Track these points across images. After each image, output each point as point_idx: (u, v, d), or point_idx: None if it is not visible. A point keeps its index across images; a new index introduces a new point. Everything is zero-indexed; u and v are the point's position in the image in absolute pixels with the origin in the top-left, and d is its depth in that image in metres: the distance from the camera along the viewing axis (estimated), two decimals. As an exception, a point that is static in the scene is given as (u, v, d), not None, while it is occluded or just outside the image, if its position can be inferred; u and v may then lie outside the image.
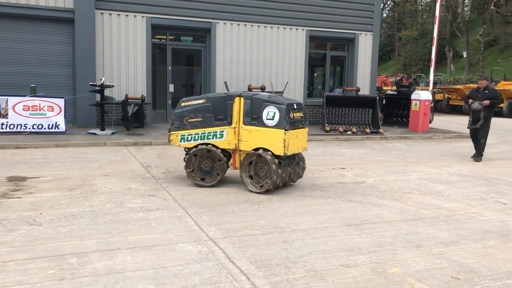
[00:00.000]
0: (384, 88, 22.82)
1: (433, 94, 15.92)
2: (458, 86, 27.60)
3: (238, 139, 6.32)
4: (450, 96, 27.60)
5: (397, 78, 26.03)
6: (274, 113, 5.99)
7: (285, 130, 5.90)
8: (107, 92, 11.61)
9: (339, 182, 7.15)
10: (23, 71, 11.99)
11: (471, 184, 7.24)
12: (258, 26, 14.09)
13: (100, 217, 5.00)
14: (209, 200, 5.82)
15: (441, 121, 19.19)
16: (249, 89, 12.49)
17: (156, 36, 13.65)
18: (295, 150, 6.17)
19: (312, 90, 16.26)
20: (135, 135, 11.13)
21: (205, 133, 6.45)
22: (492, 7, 41.18)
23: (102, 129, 11.25)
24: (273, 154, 6.00)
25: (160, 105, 14.09)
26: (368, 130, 13.16)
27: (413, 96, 13.98)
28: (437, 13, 14.88)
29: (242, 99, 6.29)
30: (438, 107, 27.54)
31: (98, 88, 11.11)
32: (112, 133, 11.13)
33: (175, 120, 6.67)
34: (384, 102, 15.86)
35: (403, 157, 9.78)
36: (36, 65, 12.12)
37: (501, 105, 22.73)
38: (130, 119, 11.95)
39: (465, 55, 44.62)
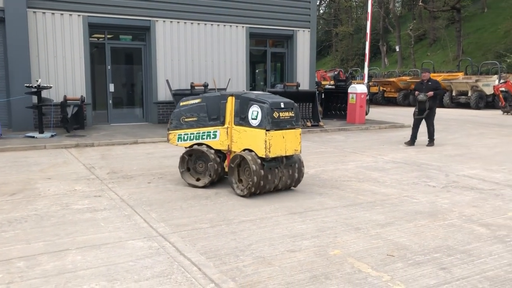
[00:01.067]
0: (323, 82, 23.59)
1: (368, 87, 16.69)
2: (391, 79, 29.00)
3: (231, 140, 6.17)
4: (384, 88, 28.94)
5: (335, 72, 26.96)
6: (258, 112, 5.74)
7: (266, 130, 5.60)
8: (44, 93, 11.24)
9: (283, 174, 7.43)
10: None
11: (404, 170, 7.77)
12: (198, 23, 14.14)
13: (46, 220, 4.94)
14: (157, 198, 5.89)
15: (377, 112, 20.13)
16: (192, 86, 12.55)
17: (94, 35, 13.36)
18: (281, 152, 5.75)
19: (255, 86, 16.54)
20: (76, 137, 10.88)
21: (199, 133, 6.39)
22: (420, 3, 43.41)
23: (41, 131, 10.89)
24: (256, 155, 5.76)
25: (100, 105, 13.82)
26: (309, 124, 13.61)
27: (349, 90, 14.61)
28: (369, 10, 15.60)
29: (233, 98, 6.12)
30: (374, 99, 28.81)
31: (35, 89, 10.75)
32: (52, 136, 10.81)
33: (173, 120, 6.57)
34: (323, 96, 16.44)
35: (342, 148, 10.26)
36: (-36, 67, 11.53)
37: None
38: (70, 120, 11.64)
39: (397, 49, 46.80)
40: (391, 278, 3.58)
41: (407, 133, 13.26)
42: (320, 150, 9.92)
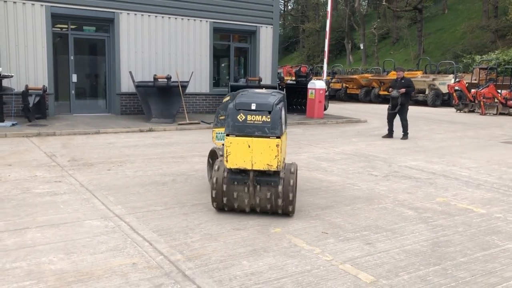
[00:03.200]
0: (288, 78, 24.13)
1: (328, 83, 17.31)
2: (354, 76, 29.86)
3: None
4: (347, 85, 29.80)
5: (302, 69, 27.58)
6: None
7: (227, 134, 4.75)
8: (5, 82, 11.25)
9: (238, 163, 7.85)
10: None
11: (352, 161, 8.33)
12: (162, 17, 14.35)
13: (6, 202, 5.19)
14: (116, 184, 6.20)
15: (338, 108, 20.83)
16: (155, 78, 12.77)
17: (57, 25, 13.37)
18: (245, 164, 4.68)
19: (219, 80, 16.88)
20: (38, 126, 10.96)
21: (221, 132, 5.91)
22: (384, 3, 44.66)
23: (1, 120, 10.92)
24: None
25: (63, 95, 13.85)
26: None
27: (309, 86, 15.17)
28: (329, 9, 16.17)
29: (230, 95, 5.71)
30: (337, 95, 29.66)
31: (-5, 78, 10.75)
32: (13, 125, 10.85)
33: (215, 117, 6.25)
34: (284, 91, 16.94)
35: (298, 140, 10.77)
36: None
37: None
38: (32, 110, 11.68)
39: (362, 47, 48.01)
40: (322, 251, 4.05)
41: (362, 127, 13.98)
42: (277, 142, 10.38)
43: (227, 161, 4.73)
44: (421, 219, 5.06)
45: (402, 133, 11.51)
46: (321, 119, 14.82)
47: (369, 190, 6.28)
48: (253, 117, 4.65)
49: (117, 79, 13.86)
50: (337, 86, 30.29)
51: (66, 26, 13.52)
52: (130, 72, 13.28)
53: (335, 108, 20.42)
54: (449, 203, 5.72)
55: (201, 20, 15.05)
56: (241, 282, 3.41)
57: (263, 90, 5.15)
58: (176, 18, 14.61)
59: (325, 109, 16.01)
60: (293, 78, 19.67)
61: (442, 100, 24.34)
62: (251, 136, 4.67)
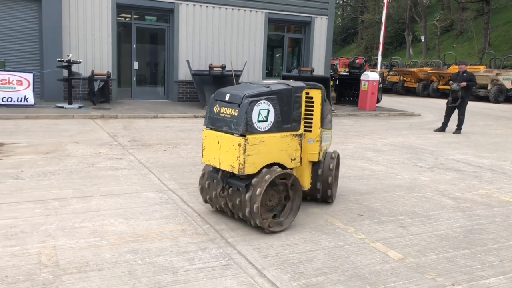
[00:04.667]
0: (341, 69, 24.02)
1: (382, 75, 17.15)
2: (412, 69, 29.16)
3: None
4: (405, 78, 29.16)
5: (358, 61, 27.38)
6: None
7: (205, 126, 4.32)
8: (74, 68, 12.17)
9: (286, 150, 8.17)
10: (-10, 46, 12.38)
11: (398, 152, 8.41)
12: (220, 7, 14.83)
13: (75, 174, 5.82)
14: (170, 162, 6.72)
15: (392, 101, 20.57)
16: (210, 67, 13.30)
17: (121, 15, 14.19)
18: (214, 162, 4.18)
19: (272, 70, 17.20)
20: (102, 109, 11.79)
21: None
22: (448, -6, 42.95)
23: (70, 103, 11.85)
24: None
25: (125, 82, 14.71)
26: (320, 108, 14.24)
27: (362, 77, 15.15)
28: (385, 0, 16.00)
29: None
30: (394, 88, 29.10)
31: (66, 64, 11.66)
32: (79, 107, 11.75)
33: None
34: (337, 83, 17.02)
35: (347, 131, 10.91)
36: (5, 41, 12.50)
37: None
38: (96, 94, 12.56)
39: (422, 40, 46.51)
40: (356, 230, 4.32)
41: (415, 121, 13.83)
42: (325, 132, 10.59)
43: (202, 155, 4.32)
44: (459, 208, 5.17)
45: (456, 127, 11.34)
46: (373, 111, 14.79)
47: (411, 179, 6.41)
48: (225, 110, 4.07)
49: (175, 67, 14.53)
50: (395, 79, 29.71)
51: (129, 15, 14.32)
52: (188, 61, 13.88)
53: (389, 101, 20.18)
54: (491, 195, 5.76)
55: (256, 11, 15.40)
56: (277, 250, 3.75)
57: (262, 82, 4.52)
58: (232, 9, 15.05)
59: (378, 101, 15.93)
60: (346, 70, 19.63)
61: (506, 96, 23.32)
62: (220, 131, 4.12)
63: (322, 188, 4.86)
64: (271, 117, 4.08)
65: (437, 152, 8.55)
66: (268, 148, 4.08)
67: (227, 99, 4.08)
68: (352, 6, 63.51)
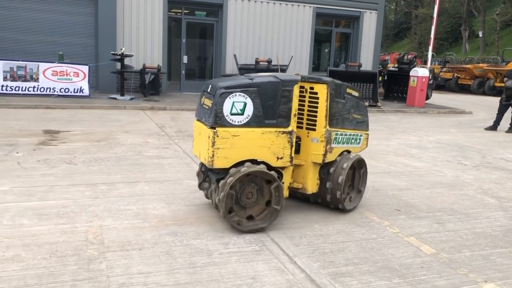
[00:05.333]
0: (390, 65, 23.50)
1: (432, 71, 16.68)
2: (467, 66, 28.06)
3: None
4: (459, 75, 28.13)
5: (409, 56, 26.73)
6: None
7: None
8: (126, 61, 12.68)
9: (327, 144, 8.21)
10: (52, 40, 13.12)
11: (444, 150, 8.23)
12: (268, 2, 14.95)
13: (123, 160, 6.15)
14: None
15: (444, 98, 19.96)
16: (257, 62, 13.46)
17: (172, 10, 14.62)
18: (196, 152, 4.26)
19: (318, 65, 17.15)
20: (151, 101, 12.25)
21: None
22: (510, -13, 40.87)
23: (122, 94, 12.39)
24: None
25: (174, 75, 15.16)
26: (366, 103, 14.08)
27: (411, 73, 14.81)
28: (439, -6, 15.55)
29: None
30: (447, 85, 28.14)
31: (119, 57, 12.19)
32: (131, 99, 12.26)
33: None
34: (385, 78, 16.72)
35: (393, 127, 10.76)
36: (63, 35, 13.23)
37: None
38: (147, 86, 13.05)
39: (480, 35, 44.54)
40: (390, 224, 4.33)
41: (465, 119, 13.40)
42: (370, 128, 10.48)
43: (193, 146, 4.40)
44: (501, 207, 5.05)
45: (509, 126, 10.91)
46: (421, 108, 14.45)
47: (454, 177, 6.29)
48: (206, 101, 4.02)
49: (222, 61, 14.81)
50: (448, 75, 28.72)
51: (180, 11, 14.72)
52: (235, 55, 14.12)
53: (440, 98, 19.60)
54: (539, 196, 5.57)
55: (304, 6, 15.40)
56: (310, 240, 3.85)
57: (255, 74, 4.29)
58: (280, 4, 15.12)
59: (427, 98, 15.53)
60: (395, 65, 19.23)
61: None
62: (202, 122, 4.07)
63: (331, 191, 4.36)
64: (249, 111, 3.82)
65: (485, 151, 8.29)
66: (245, 143, 3.84)
67: (208, 90, 4.01)
68: (406, 0, 61.71)
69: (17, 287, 2.86)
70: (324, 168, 4.39)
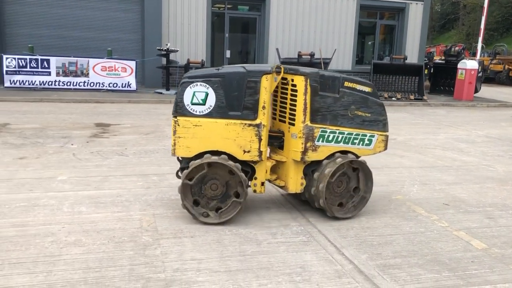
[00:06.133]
0: (436, 57, 22.84)
1: (482, 63, 16.09)
2: (519, 58, 26.90)
3: None
4: (510, 67, 27.00)
5: (457, 48, 25.84)
6: None
7: None
8: (171, 56, 12.97)
9: (372, 138, 8.13)
10: (101, 36, 13.61)
11: (494, 144, 7.98)
12: (311, -5, 14.88)
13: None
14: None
15: (494, 91, 19.24)
16: (299, 55, 13.44)
17: (216, 5, 14.80)
18: None
19: (362, 58, 16.91)
20: (196, 95, 12.46)
21: None
22: None
23: (167, 89, 12.70)
24: None
25: (217, 69, 15.34)
26: (412, 97, 13.80)
27: (459, 65, 14.37)
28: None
29: None
30: (497, 78, 27.07)
31: (164, 52, 12.49)
32: (176, 93, 12.52)
33: None
34: (432, 71, 16.29)
35: (439, 121, 10.51)
36: (111, 31, 13.69)
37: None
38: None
39: (535, 25, 42.42)
40: (439, 218, 4.28)
41: (516, 112, 12.88)
42: (415, 122, 10.30)
43: None
44: (557, 203, 4.87)
45: None
46: (469, 102, 14.00)
47: (505, 172, 6.10)
48: None
49: (265, 55, 14.87)
50: (498, 68, 27.58)
51: (223, 5, 14.88)
52: (277, 49, 14.14)
53: (490, 91, 18.91)
54: None
55: (348, -2, 15.22)
56: (357, 232, 3.87)
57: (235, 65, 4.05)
58: (323, -4, 15.02)
59: (476, 91, 15.02)
60: (443, 58, 18.68)
61: None
62: None
63: (315, 197, 4.05)
64: (211, 101, 3.77)
65: (539, 146, 7.98)
66: (207, 134, 3.80)
67: None
68: (453, -10, 59.55)
69: (80, 269, 3.05)
70: (309, 169, 4.07)
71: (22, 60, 11.67)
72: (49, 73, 11.84)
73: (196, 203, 3.89)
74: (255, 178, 3.99)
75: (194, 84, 3.76)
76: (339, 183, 4.10)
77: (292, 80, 3.93)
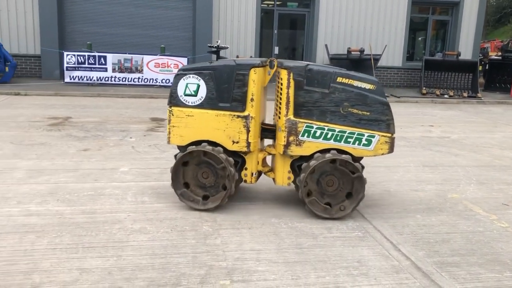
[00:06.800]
0: (491, 53, 21.97)
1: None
2: None
3: None
4: None
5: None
6: None
7: None
8: (222, 53, 13.18)
9: (425, 136, 7.99)
10: (154, 33, 14.05)
11: (556, 144, 7.65)
12: (361, -9, 14.69)
13: (224, 147, 6.50)
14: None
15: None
16: (348, 51, 13.33)
17: (265, 2, 14.90)
18: None
19: (413, 54, 16.53)
20: (244, 91, 12.64)
21: None
22: None
23: (217, 85, 12.93)
24: None
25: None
26: (465, 94, 13.38)
27: (517, 61, 13.80)
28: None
29: None
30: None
31: (215, 49, 12.71)
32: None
33: None
34: (487, 67, 15.71)
35: (495, 119, 10.16)
36: (164, 29, 14.09)
37: None
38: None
39: None
40: (498, 218, 4.20)
41: None
42: (470, 120, 10.01)
43: None
44: None
45: None
46: (527, 100, 13.43)
47: None
48: None
49: (313, 52, 14.84)
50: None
51: (272, 2, 14.96)
52: (326, 45, 14.08)
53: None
54: None
55: (400, -7, 14.92)
56: (412, 229, 3.87)
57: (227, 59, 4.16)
58: (374, -8, 14.79)
59: (535, 88, 14.38)
60: (499, 54, 17.95)
61: None
62: None
63: (298, 186, 4.03)
64: (202, 93, 3.97)
65: None
66: (199, 124, 4.00)
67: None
68: (510, -18, 56.79)
69: (147, 254, 3.23)
70: (297, 163, 4.05)
71: (81, 57, 12.24)
72: (105, 69, 12.36)
73: (187, 186, 4.11)
74: (246, 169, 4.13)
75: (187, 76, 3.98)
76: (330, 181, 3.97)
77: (279, 74, 3.98)
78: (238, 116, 3.93)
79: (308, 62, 4.06)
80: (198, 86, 3.96)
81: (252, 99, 3.91)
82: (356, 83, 3.89)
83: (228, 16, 14.18)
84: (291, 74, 3.85)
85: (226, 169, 3.96)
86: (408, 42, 15.52)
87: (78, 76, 12.33)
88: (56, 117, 8.34)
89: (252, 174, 4.13)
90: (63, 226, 3.63)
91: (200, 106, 3.97)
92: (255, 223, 3.85)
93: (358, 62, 13.17)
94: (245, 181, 4.17)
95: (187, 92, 3.99)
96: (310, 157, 3.95)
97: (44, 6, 12.92)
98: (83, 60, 12.26)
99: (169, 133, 4.07)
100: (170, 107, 4.05)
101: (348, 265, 3.20)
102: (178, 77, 4.02)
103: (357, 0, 14.74)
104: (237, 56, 13.59)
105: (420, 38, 16.72)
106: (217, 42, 12.88)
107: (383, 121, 3.91)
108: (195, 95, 3.98)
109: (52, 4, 12.97)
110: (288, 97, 3.87)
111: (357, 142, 3.91)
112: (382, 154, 3.96)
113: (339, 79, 3.87)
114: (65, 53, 12.25)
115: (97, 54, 12.34)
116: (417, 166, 5.96)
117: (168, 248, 3.34)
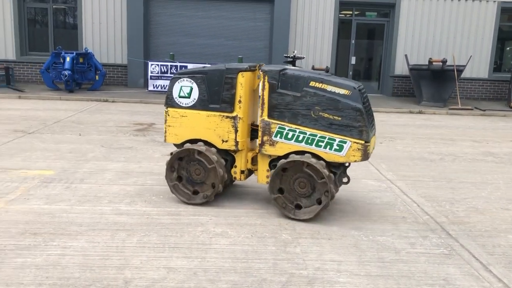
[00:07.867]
0: None
1: None
2: None
3: None
4: None
5: None
6: None
7: None
8: (298, 63, 13.26)
9: (514, 152, 7.50)
10: (232, 44, 14.44)
11: None
12: (445, 0, 14.11)
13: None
14: (387, 155, 6.91)
15: None
16: (430, 62, 12.83)
17: (343, 12, 14.79)
18: None
19: (500, 65, 15.59)
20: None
21: None
22: None
23: (292, 95, 13.00)
24: None
25: (340, 76, 15.30)
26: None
27: None
28: None
29: None
30: None
31: (291, 59, 12.81)
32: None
33: None
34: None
35: None
36: (241, 39, 14.45)
37: None
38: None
39: None
40: None
41: None
42: None
43: None
44: None
45: None
46: None
47: None
48: None
49: (392, 62, 14.47)
50: None
51: (350, 12, 14.81)
52: (406, 56, 13.68)
53: None
54: None
55: (487, 1, 14.14)
56: (505, 250, 3.64)
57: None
58: (459, 0, 14.15)
59: None
60: None
61: None
62: None
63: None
64: (195, 95, 4.29)
65: None
66: (192, 124, 4.32)
67: None
68: None
69: (230, 258, 3.32)
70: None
71: (164, 67, 12.86)
72: (185, 78, 12.86)
73: (180, 179, 4.40)
74: (235, 166, 4.38)
75: (182, 79, 4.34)
76: (301, 183, 4.06)
77: (259, 77, 4.23)
78: (227, 117, 4.23)
79: (289, 67, 4.24)
80: (191, 88, 4.32)
81: (240, 101, 4.19)
82: (329, 88, 3.94)
83: (305, 26, 14.24)
84: (266, 77, 4.07)
85: (214, 167, 4.19)
86: (495, 53, 14.65)
87: (161, 85, 12.96)
88: (141, 123, 8.82)
89: (241, 171, 4.39)
90: (150, 226, 3.83)
91: (193, 107, 4.32)
92: (334, 234, 3.82)
93: (440, 73, 12.64)
94: (235, 178, 4.40)
95: (181, 94, 4.35)
96: (285, 157, 4.09)
97: (132, 19, 13.75)
98: (165, 70, 12.87)
99: (165, 132, 4.44)
100: (166, 108, 4.41)
101: (433, 282, 3.08)
102: (173, 80, 4.38)
103: (441, 8, 14.19)
104: (313, 67, 13.59)
105: (508, 48, 15.72)
106: (294, 52, 12.97)
107: (355, 127, 3.87)
108: (189, 97, 4.33)
109: (138, 17, 13.77)
110: (263, 99, 4.11)
111: (328, 146, 3.95)
112: (355, 161, 3.93)
113: (312, 83, 3.97)
114: (150, 63, 12.94)
115: (178, 63, 12.90)
116: (506, 183, 5.60)
117: (249, 253, 3.41)
